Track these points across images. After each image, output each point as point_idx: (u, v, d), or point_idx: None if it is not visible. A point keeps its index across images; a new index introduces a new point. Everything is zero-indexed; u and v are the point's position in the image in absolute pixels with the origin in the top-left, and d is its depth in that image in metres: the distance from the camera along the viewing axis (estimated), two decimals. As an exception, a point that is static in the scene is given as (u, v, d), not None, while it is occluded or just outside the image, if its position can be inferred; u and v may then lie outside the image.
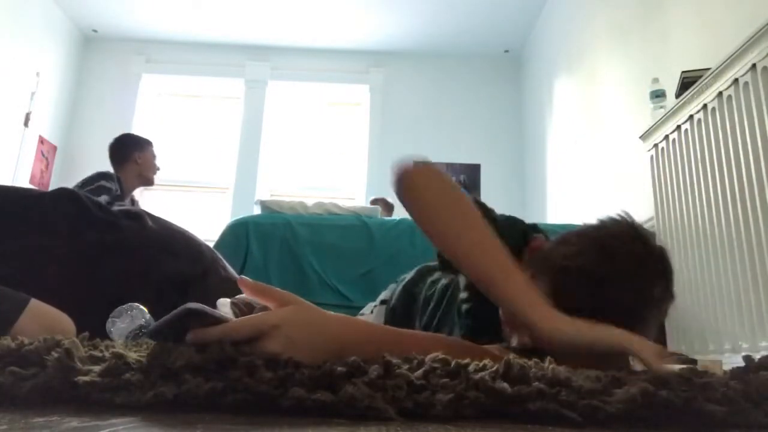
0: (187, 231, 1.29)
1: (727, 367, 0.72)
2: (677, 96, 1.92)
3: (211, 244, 1.80)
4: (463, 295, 1.02)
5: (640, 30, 2.79)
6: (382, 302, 1.31)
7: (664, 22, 2.51)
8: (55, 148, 4.62)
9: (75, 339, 0.53)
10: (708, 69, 1.70)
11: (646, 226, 0.85)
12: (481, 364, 0.50)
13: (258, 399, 0.44)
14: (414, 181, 0.86)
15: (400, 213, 3.28)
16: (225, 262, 1.31)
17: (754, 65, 1.48)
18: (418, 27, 4.70)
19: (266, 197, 4.11)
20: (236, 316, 0.91)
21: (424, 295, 1.18)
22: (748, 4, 1.89)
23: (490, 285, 0.75)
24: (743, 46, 1.51)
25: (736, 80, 1.56)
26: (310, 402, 0.43)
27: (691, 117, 1.80)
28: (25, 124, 4.21)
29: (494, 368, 0.49)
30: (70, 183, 2.60)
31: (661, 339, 1.76)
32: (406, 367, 0.49)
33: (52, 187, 4.41)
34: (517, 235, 0.96)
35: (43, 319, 0.90)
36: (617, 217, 0.80)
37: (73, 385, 0.45)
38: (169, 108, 5.12)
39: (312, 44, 4.98)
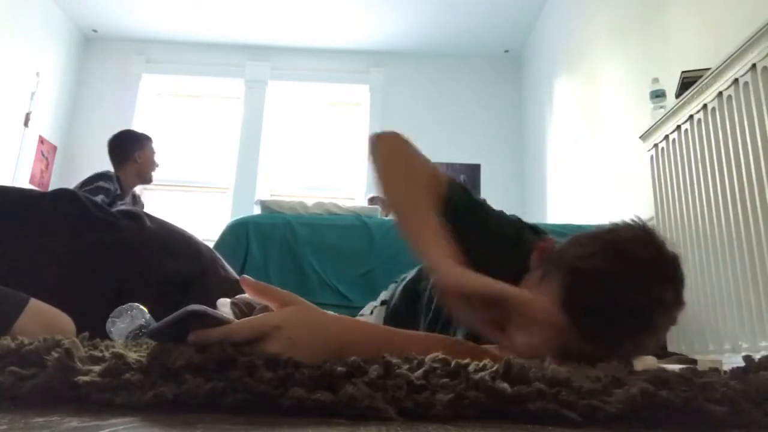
0: (185, 231, 1.29)
1: (727, 367, 0.72)
2: (677, 96, 1.92)
3: (211, 244, 1.80)
4: None
5: (640, 30, 2.79)
6: (383, 303, 1.30)
7: (664, 22, 2.51)
8: (55, 148, 4.62)
9: (75, 339, 0.53)
10: (708, 69, 1.71)
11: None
12: (481, 364, 0.50)
13: (258, 399, 0.44)
14: (379, 144, 1.01)
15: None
16: (224, 261, 1.31)
17: (754, 65, 1.48)
18: (418, 27, 4.70)
19: (266, 197, 4.10)
20: (236, 316, 0.91)
21: (428, 292, 1.18)
22: (748, 4, 1.89)
23: (411, 235, 0.86)
24: (743, 46, 1.51)
25: (736, 80, 1.56)
26: (310, 402, 0.43)
27: (691, 117, 1.80)
28: (25, 124, 4.21)
29: (494, 368, 0.49)
30: (70, 183, 2.60)
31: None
32: (406, 367, 0.49)
33: (52, 187, 4.42)
34: (510, 230, 0.96)
35: (42, 319, 0.90)
36: (630, 221, 0.80)
37: (73, 385, 0.45)
38: (169, 108, 5.12)
39: (312, 44, 4.98)
